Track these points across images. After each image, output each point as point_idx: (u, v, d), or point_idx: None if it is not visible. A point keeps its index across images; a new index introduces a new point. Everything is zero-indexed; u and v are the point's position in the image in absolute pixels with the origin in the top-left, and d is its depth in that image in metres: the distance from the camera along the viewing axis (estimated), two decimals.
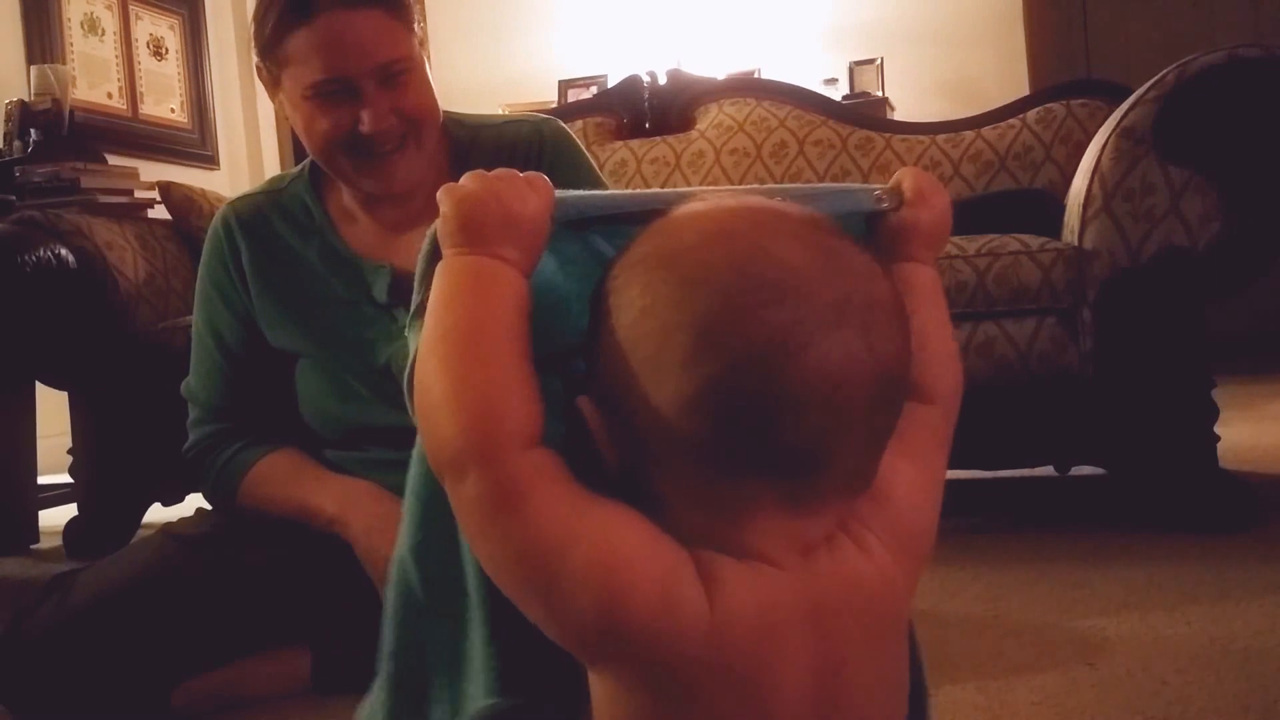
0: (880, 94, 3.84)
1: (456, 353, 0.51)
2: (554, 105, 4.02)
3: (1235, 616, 1.27)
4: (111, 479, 2.18)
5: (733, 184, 2.43)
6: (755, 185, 0.73)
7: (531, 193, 0.56)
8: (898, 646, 0.53)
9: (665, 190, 0.65)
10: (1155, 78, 1.71)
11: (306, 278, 1.35)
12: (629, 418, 0.48)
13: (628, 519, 0.49)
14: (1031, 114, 2.36)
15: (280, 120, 4.46)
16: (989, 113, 2.43)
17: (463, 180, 0.57)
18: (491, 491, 0.49)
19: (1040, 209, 2.04)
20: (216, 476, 1.36)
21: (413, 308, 0.60)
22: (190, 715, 1.20)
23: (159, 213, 2.55)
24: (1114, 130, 1.72)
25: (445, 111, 1.36)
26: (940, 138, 2.39)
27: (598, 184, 1.37)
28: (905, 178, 0.68)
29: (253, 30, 1.27)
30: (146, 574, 1.22)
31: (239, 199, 1.42)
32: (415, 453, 0.62)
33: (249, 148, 4.65)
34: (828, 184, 0.68)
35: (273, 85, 1.29)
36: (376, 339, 1.31)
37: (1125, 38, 3.97)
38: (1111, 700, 1.04)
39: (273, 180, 1.44)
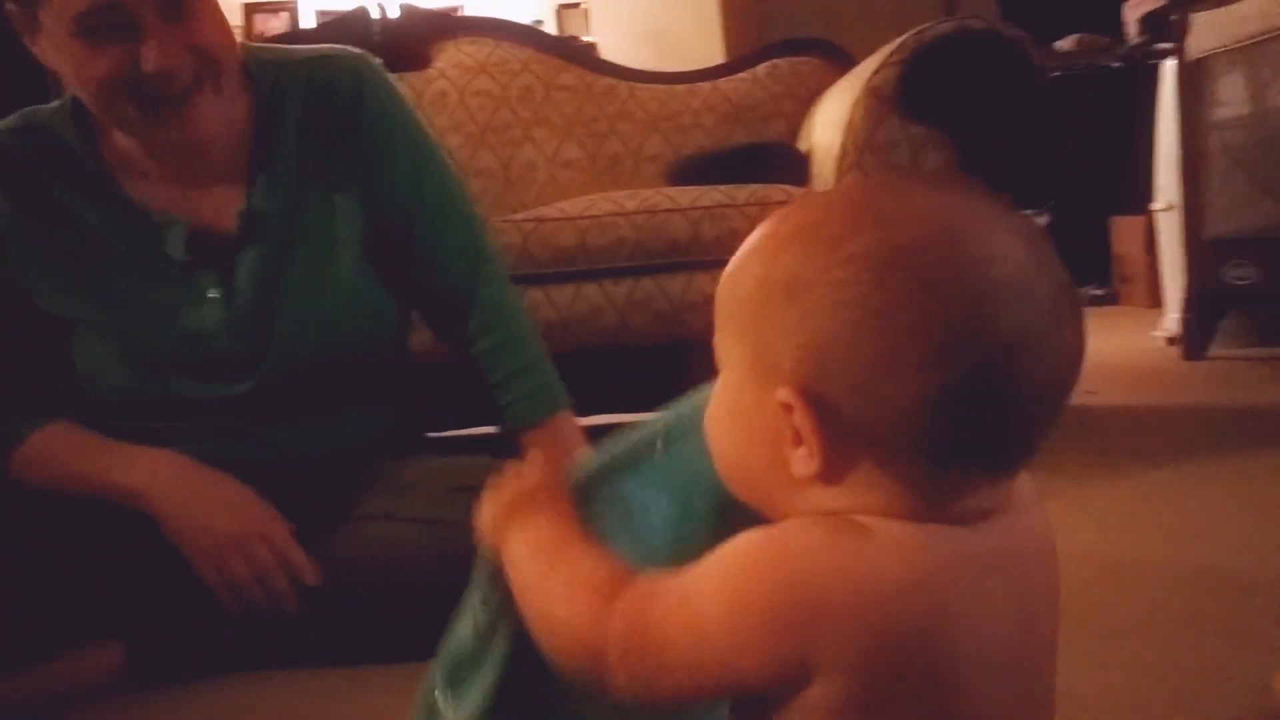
0: (588, 38, 3.90)
1: (545, 581, 0.56)
2: (242, 32, 3.71)
3: None
4: None
5: (480, 126, 2.37)
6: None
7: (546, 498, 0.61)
8: (1058, 601, 0.56)
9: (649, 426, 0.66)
10: (897, 41, 1.88)
11: (81, 235, 1.19)
12: (847, 411, 0.48)
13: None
14: (761, 68, 2.49)
15: None
16: (722, 65, 2.55)
17: (484, 506, 0.62)
18: (626, 666, 0.51)
19: (782, 161, 2.18)
20: None
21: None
22: None
23: None
24: (864, 89, 1.87)
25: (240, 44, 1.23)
26: (679, 88, 2.47)
27: (420, 136, 1.33)
28: None
29: None
30: None
31: None
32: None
33: None
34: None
35: (29, 28, 1.10)
36: (174, 301, 1.19)
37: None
38: None
39: (23, 115, 1.23)
